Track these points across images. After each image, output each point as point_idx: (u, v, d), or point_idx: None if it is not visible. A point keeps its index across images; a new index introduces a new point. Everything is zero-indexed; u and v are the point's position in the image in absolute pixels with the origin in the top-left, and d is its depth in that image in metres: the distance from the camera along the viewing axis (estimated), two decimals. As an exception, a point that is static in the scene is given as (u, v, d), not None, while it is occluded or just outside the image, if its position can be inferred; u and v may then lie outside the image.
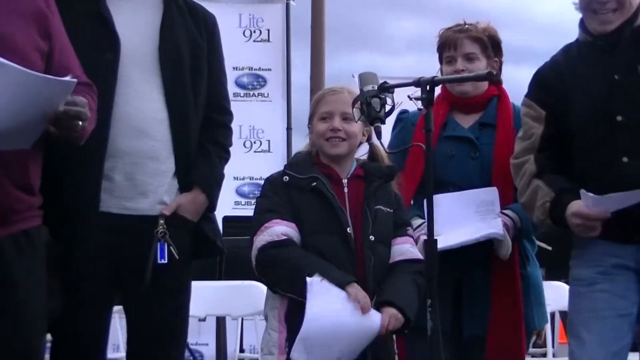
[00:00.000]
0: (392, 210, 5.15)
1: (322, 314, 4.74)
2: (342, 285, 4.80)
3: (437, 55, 5.99)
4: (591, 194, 4.91)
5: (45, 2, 4.70)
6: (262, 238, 4.96)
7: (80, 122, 4.34)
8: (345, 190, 5.12)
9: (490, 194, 5.47)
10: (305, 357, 4.73)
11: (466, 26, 5.73)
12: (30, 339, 4.62)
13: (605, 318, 5.06)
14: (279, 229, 4.94)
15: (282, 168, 5.32)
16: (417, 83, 4.98)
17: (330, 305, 4.77)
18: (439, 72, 5.83)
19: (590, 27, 5.25)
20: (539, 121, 5.18)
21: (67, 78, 4.23)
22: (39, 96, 4.16)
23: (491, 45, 5.73)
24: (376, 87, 4.89)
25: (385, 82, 5.01)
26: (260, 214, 5.11)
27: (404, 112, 5.76)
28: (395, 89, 5.09)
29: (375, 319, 4.89)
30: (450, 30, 5.75)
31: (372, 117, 4.82)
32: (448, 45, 5.71)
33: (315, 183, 5.02)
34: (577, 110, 5.15)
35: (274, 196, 5.09)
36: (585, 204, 4.96)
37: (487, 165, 5.47)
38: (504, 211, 5.59)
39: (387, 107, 4.98)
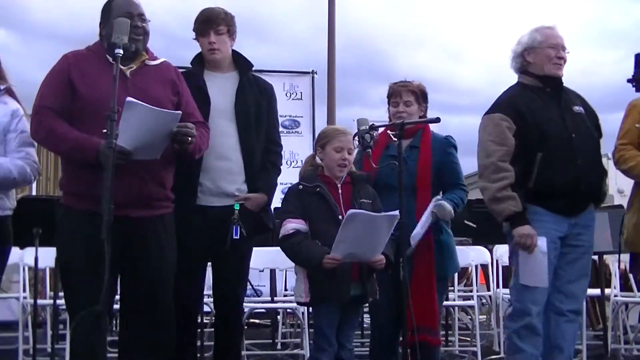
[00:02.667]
0: (371, 202, 5.16)
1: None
2: (321, 257, 4.88)
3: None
4: (545, 244, 5.05)
5: (177, 75, 4.95)
6: (281, 232, 5.07)
7: (190, 139, 4.50)
8: (340, 191, 5.15)
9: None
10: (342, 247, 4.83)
11: (406, 82, 5.67)
12: (166, 283, 4.80)
13: (547, 273, 5.10)
14: (290, 226, 5.02)
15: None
16: (393, 125, 5.15)
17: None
18: (387, 111, 5.79)
19: (549, 70, 5.30)
20: (511, 132, 5.14)
21: (174, 111, 4.49)
22: (157, 122, 4.36)
23: (421, 96, 5.65)
24: (367, 127, 5.04)
25: (373, 124, 5.13)
26: (281, 214, 5.21)
27: None
28: (379, 129, 5.38)
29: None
30: (396, 84, 5.69)
31: (365, 146, 5.02)
32: (395, 94, 5.65)
33: (318, 189, 5.09)
34: (548, 131, 5.14)
35: (290, 200, 5.17)
36: (539, 242, 5.05)
37: (413, 174, 5.39)
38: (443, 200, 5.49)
39: (374, 140, 5.21)
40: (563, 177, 5.13)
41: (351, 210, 4.83)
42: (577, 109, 5.35)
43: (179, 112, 4.51)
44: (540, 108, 5.18)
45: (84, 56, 4.73)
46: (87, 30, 4.85)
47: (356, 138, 5.15)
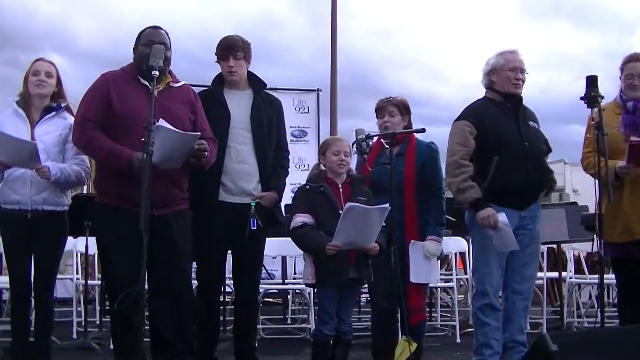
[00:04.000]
0: (367, 199, 5.14)
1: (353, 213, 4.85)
2: (324, 245, 4.92)
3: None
4: (505, 217, 5.00)
5: (194, 96, 5.01)
6: (291, 225, 5.11)
7: (206, 153, 4.62)
8: (341, 190, 5.18)
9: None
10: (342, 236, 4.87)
11: (390, 97, 5.59)
12: (185, 265, 4.83)
13: (502, 258, 5.12)
14: (298, 219, 5.06)
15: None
16: (385, 135, 5.13)
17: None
18: (376, 124, 5.66)
19: (509, 89, 5.24)
20: (472, 135, 5.09)
21: (194, 133, 4.64)
22: (180, 142, 4.48)
23: (404, 108, 5.55)
24: (364, 136, 5.03)
25: (369, 133, 5.14)
26: (291, 209, 5.27)
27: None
28: (374, 138, 5.30)
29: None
30: (381, 100, 5.60)
31: (362, 152, 5.05)
32: (381, 108, 5.56)
33: (322, 188, 5.13)
34: (505, 138, 5.11)
35: (299, 197, 5.21)
36: (499, 217, 4.99)
37: (401, 176, 5.27)
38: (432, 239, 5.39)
39: (370, 147, 5.25)
40: (515, 179, 5.10)
41: (348, 203, 4.87)
42: (532, 124, 5.32)
43: (198, 133, 4.62)
44: (500, 118, 5.15)
45: (119, 76, 4.81)
46: (126, 54, 4.94)
47: (354, 146, 5.16)
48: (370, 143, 5.29)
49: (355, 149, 5.21)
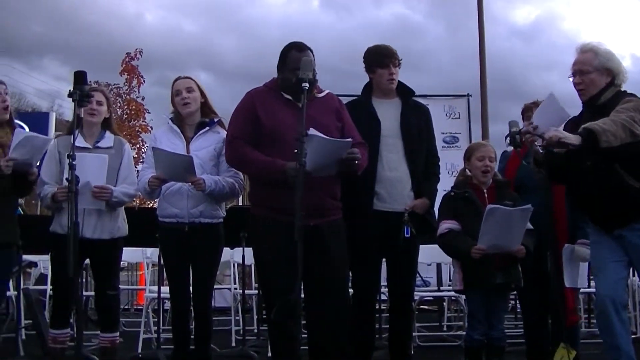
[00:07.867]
0: (512, 203, 5.10)
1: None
2: (469, 249, 4.96)
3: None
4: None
5: (339, 104, 5.00)
6: (438, 232, 5.22)
7: (357, 162, 4.55)
8: (486, 195, 5.23)
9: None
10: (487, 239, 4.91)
11: (537, 101, 5.51)
12: (341, 274, 4.82)
13: (607, 262, 4.65)
14: (444, 226, 5.18)
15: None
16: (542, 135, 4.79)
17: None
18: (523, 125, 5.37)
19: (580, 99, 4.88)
20: None
21: (346, 139, 4.60)
22: (333, 149, 4.47)
23: None
24: (518, 129, 4.80)
25: (522, 127, 4.93)
26: (438, 217, 5.34)
27: (504, 151, 5.84)
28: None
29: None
30: (528, 103, 5.65)
31: (516, 145, 4.75)
32: (527, 110, 5.60)
33: (467, 194, 5.20)
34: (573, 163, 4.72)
35: (445, 204, 5.33)
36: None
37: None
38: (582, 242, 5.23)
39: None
40: (583, 205, 4.83)
41: (490, 205, 4.90)
42: None
43: (350, 140, 4.60)
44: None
45: (263, 92, 4.86)
46: (268, 69, 5.01)
47: (508, 138, 5.05)
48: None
49: (508, 141, 5.10)
